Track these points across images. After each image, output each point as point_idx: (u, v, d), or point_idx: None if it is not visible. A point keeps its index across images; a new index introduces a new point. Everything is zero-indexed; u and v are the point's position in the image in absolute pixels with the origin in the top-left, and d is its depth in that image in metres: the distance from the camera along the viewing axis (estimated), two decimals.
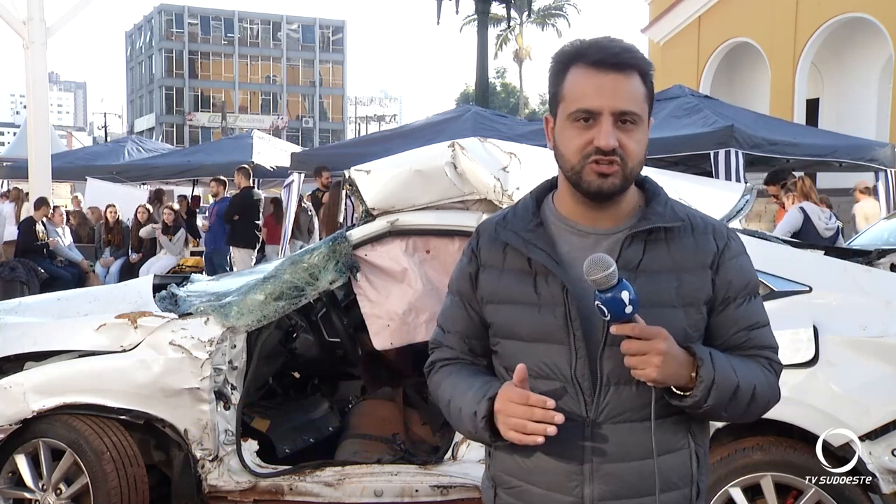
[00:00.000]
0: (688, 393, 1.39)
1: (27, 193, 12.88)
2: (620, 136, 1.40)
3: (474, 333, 1.58)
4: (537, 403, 1.36)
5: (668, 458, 1.46)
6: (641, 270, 1.43)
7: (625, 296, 1.31)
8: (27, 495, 3.46)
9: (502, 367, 1.53)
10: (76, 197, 15.92)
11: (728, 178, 8.11)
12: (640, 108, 1.42)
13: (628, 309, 1.32)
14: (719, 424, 2.90)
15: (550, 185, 1.57)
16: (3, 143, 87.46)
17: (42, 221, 10.66)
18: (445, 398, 1.55)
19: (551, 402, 1.36)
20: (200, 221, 12.38)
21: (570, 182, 1.46)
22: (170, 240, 11.31)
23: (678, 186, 3.54)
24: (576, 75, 1.42)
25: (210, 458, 3.40)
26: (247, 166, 10.93)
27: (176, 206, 12.51)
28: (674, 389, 1.40)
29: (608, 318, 1.34)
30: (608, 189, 1.42)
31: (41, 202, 10.78)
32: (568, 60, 1.44)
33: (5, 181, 15.42)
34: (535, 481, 1.48)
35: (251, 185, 10.69)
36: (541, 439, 1.35)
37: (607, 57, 1.40)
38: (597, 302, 1.33)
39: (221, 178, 11.09)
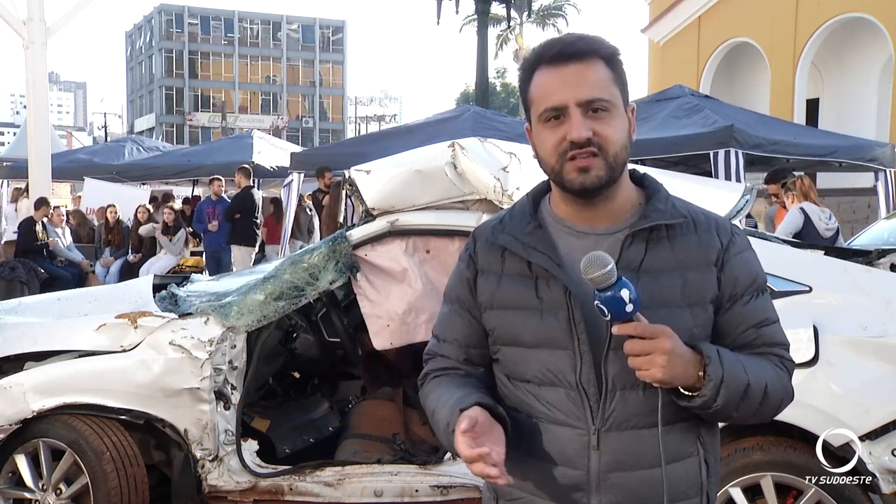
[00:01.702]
0: (696, 393, 1.34)
1: (25, 189, 12.91)
2: (594, 126, 1.36)
3: (475, 342, 1.52)
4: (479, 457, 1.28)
5: (677, 467, 1.41)
6: (644, 270, 1.39)
7: (625, 294, 1.27)
8: (27, 495, 3.46)
9: (504, 374, 1.49)
10: (78, 196, 15.88)
11: (728, 178, 8.11)
12: (609, 93, 1.38)
13: (629, 308, 1.27)
14: (719, 424, 2.90)
15: (546, 187, 1.54)
16: (3, 143, 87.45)
17: (42, 222, 10.67)
18: (430, 409, 1.50)
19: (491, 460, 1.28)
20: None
21: (556, 184, 1.44)
22: (170, 240, 11.32)
23: (678, 186, 3.53)
24: (539, 77, 1.41)
25: (210, 458, 3.40)
26: (247, 166, 10.98)
27: (177, 205, 12.51)
28: (681, 390, 1.35)
29: (608, 318, 1.29)
30: (591, 184, 1.37)
31: (41, 202, 10.79)
32: (531, 66, 1.43)
33: (5, 181, 15.42)
34: (540, 493, 1.44)
35: (251, 184, 10.75)
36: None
37: (563, 49, 1.38)
38: (596, 302, 1.29)
39: (220, 177, 11.17)
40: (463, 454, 1.30)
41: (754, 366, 1.40)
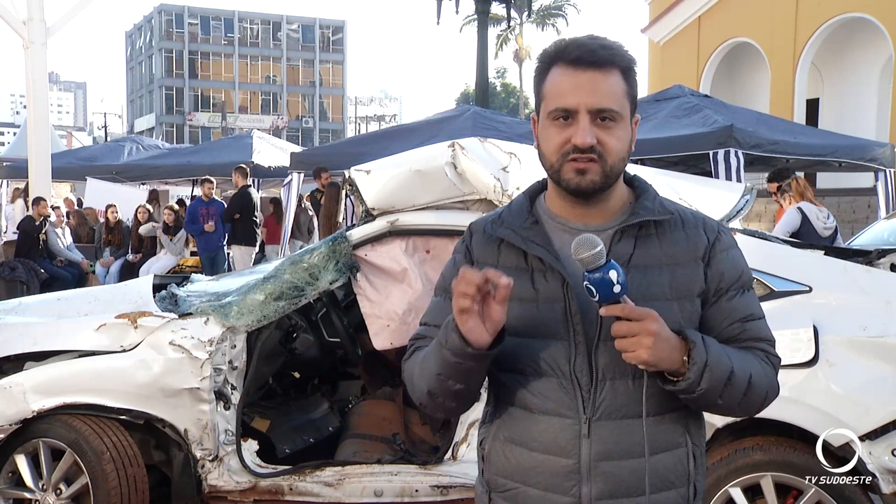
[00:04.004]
0: (681, 377, 1.38)
1: (24, 190, 12.94)
2: (599, 133, 1.40)
3: None
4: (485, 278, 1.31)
5: (665, 457, 1.45)
6: (633, 265, 1.43)
7: (613, 275, 1.31)
8: (27, 495, 3.46)
9: (496, 366, 1.49)
10: (67, 198, 15.79)
11: (728, 178, 8.11)
12: (620, 104, 1.42)
13: (616, 288, 1.31)
14: (719, 424, 2.90)
15: (542, 186, 1.58)
16: (3, 143, 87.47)
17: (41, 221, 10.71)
18: (419, 357, 1.50)
19: (505, 280, 1.32)
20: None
21: (552, 180, 1.48)
22: (170, 240, 11.32)
23: (678, 186, 3.54)
24: (555, 74, 1.44)
25: (210, 458, 3.40)
26: (244, 166, 10.97)
27: (176, 206, 12.52)
28: (667, 375, 1.39)
29: (597, 298, 1.33)
30: (586, 186, 1.42)
31: (37, 201, 10.85)
32: (549, 60, 1.45)
33: (5, 181, 15.41)
34: (532, 482, 1.46)
35: (249, 183, 10.76)
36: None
37: (585, 55, 1.41)
38: (585, 283, 1.33)
39: (211, 178, 11.19)
40: (462, 287, 1.32)
41: (739, 356, 1.44)
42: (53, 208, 11.18)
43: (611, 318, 1.35)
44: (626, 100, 1.43)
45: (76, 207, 14.18)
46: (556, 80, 1.43)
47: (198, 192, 16.59)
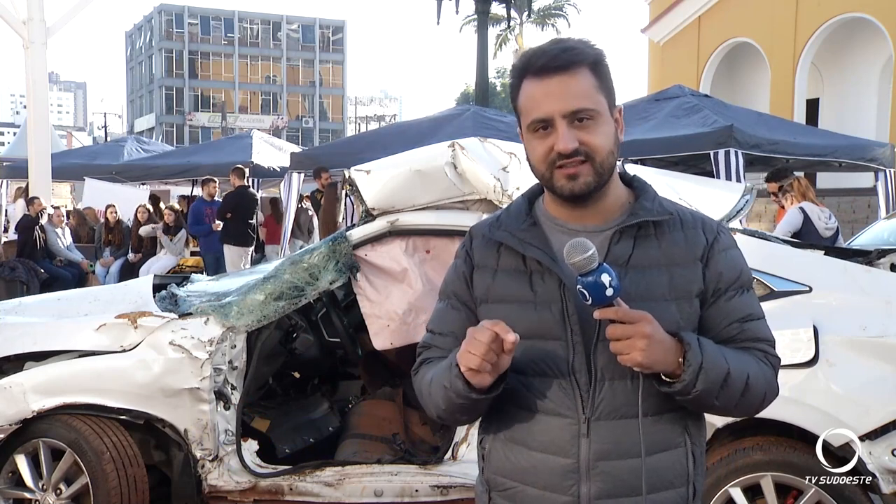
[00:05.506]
0: (676, 379, 1.38)
1: (25, 190, 12.97)
2: (580, 135, 1.41)
3: None
4: (494, 330, 1.33)
5: (664, 456, 1.45)
6: (632, 266, 1.43)
7: (605, 279, 1.31)
8: (27, 495, 3.46)
9: None
10: (35, 199, 15.62)
11: (728, 178, 8.11)
12: (594, 101, 1.42)
13: (609, 292, 1.32)
14: (719, 424, 2.90)
15: (541, 188, 1.58)
16: (3, 143, 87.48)
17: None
18: (427, 380, 1.52)
19: (512, 336, 1.33)
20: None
21: (547, 189, 1.49)
22: (170, 240, 11.32)
23: (678, 186, 3.54)
24: (527, 87, 1.45)
25: (210, 458, 3.40)
26: (241, 166, 10.95)
27: (177, 206, 12.52)
28: (662, 377, 1.39)
29: (590, 302, 1.33)
30: (580, 190, 1.43)
31: (31, 200, 10.89)
32: (519, 75, 1.47)
33: (6, 181, 15.42)
34: (531, 482, 1.47)
35: (246, 184, 10.72)
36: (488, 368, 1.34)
37: (548, 62, 1.42)
38: (578, 286, 1.34)
39: (213, 178, 11.18)
40: (480, 335, 1.34)
41: (737, 357, 1.44)
42: (54, 208, 11.19)
43: (608, 319, 1.35)
44: (599, 95, 1.43)
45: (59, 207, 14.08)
46: (527, 92, 1.45)
47: (198, 191, 16.61)
